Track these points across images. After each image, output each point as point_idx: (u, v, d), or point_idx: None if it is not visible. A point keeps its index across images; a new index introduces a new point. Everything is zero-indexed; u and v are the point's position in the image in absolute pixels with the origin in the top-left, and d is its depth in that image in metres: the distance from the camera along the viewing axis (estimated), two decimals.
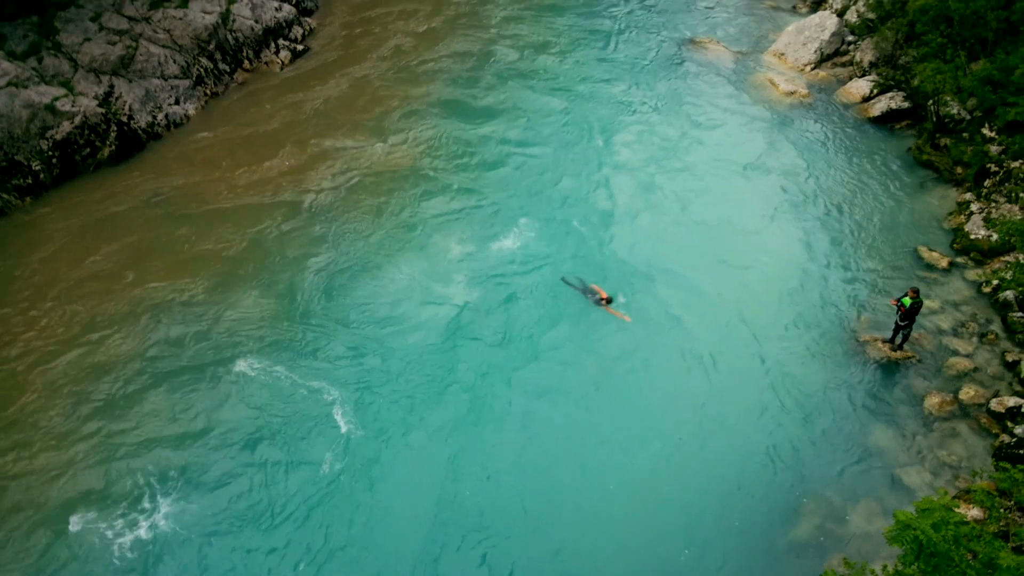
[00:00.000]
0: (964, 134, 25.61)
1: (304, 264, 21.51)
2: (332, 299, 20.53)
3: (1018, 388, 17.77)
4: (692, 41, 33.46)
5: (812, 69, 31.26)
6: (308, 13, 34.45)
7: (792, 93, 29.63)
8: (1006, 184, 23.22)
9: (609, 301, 20.04)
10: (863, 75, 30.00)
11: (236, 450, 16.76)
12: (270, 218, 23.14)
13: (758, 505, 15.91)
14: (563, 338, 19.61)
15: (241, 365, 18.55)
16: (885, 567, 11.78)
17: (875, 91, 28.84)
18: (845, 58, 31.64)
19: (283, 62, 31.04)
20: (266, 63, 30.95)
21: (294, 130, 27.31)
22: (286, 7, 32.70)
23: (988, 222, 22.11)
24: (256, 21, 31.23)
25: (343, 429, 17.18)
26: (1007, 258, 20.82)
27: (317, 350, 19.12)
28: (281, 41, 31.77)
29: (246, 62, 30.52)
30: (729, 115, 28.52)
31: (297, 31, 32.58)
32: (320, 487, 16.12)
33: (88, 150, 24.90)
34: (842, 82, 30.17)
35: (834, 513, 15.70)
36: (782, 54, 32.15)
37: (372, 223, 23.05)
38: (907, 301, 18.30)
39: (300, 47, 31.97)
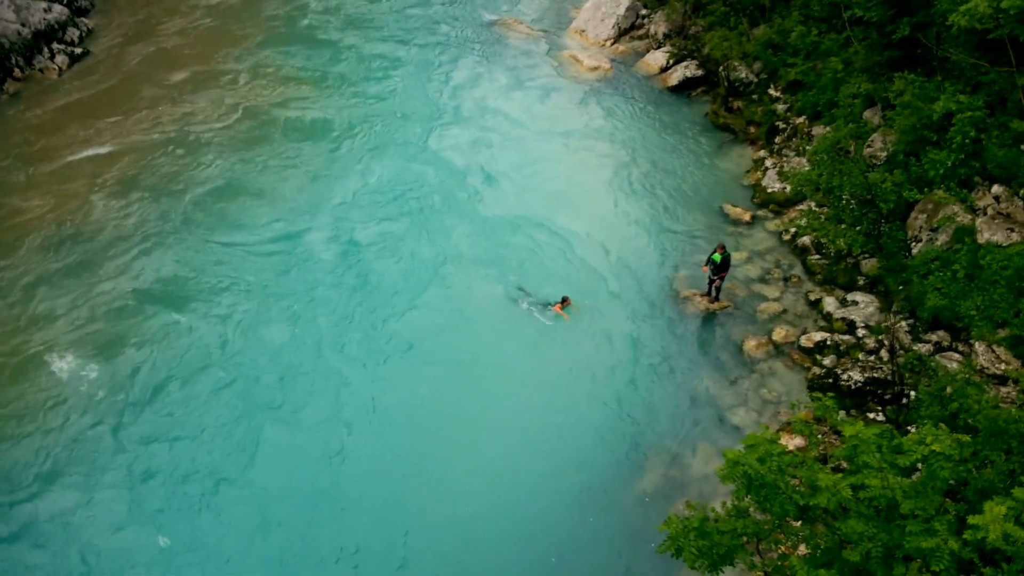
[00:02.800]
0: (754, 96, 27.45)
1: (188, 188, 23.40)
2: (217, 221, 22.37)
3: (823, 324, 19.27)
4: (496, 22, 33.81)
5: (612, 44, 32.41)
6: (83, 13, 31.71)
7: (596, 68, 30.57)
8: (794, 139, 25.09)
9: (564, 301, 19.60)
10: (659, 47, 31.45)
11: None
12: (156, 150, 24.91)
13: (607, 463, 16.36)
14: (429, 301, 20.20)
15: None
16: (724, 503, 12.28)
17: (671, 61, 30.30)
18: (641, 31, 33.04)
19: (60, 68, 28.44)
20: (40, 70, 28.21)
21: (128, 94, 27.73)
22: (57, 7, 29.96)
23: (781, 175, 23.80)
24: (23, 24, 28.39)
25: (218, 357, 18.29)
26: (801, 207, 22.46)
27: (204, 270, 20.66)
28: (56, 45, 29.06)
29: (16, 71, 27.67)
30: (539, 93, 29.10)
31: (73, 33, 29.95)
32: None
33: None
34: (641, 54, 31.47)
35: (675, 462, 16.38)
36: (583, 31, 33.10)
37: (255, 153, 25.07)
38: (717, 257, 19.34)
39: (79, 50, 29.40)
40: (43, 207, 22.46)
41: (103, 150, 24.88)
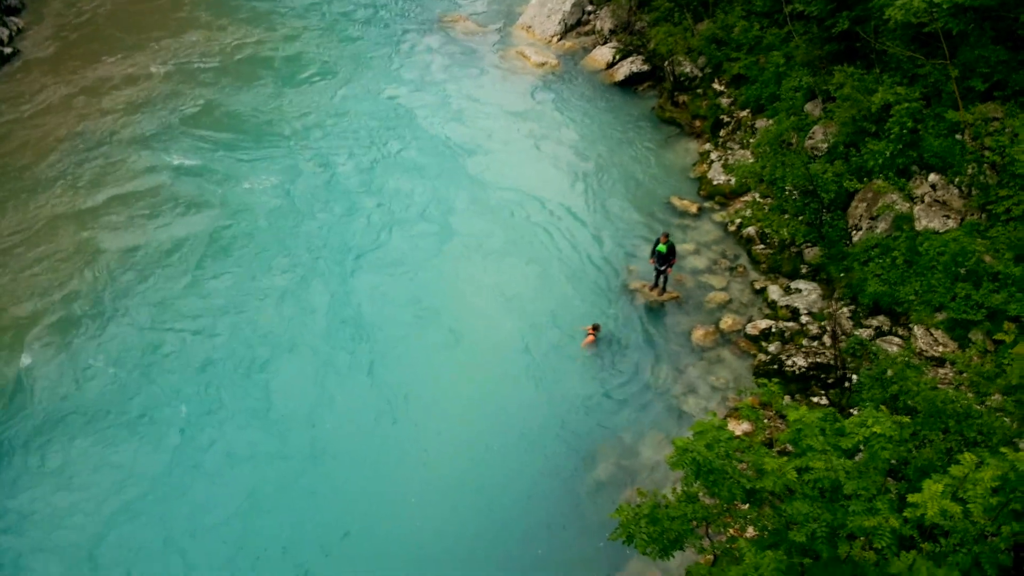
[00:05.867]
0: (699, 90, 27.75)
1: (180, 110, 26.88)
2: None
3: (767, 312, 19.60)
4: (442, 18, 33.66)
5: (559, 40, 32.49)
6: (14, 12, 30.65)
7: (543, 64, 30.63)
8: (738, 132, 25.46)
9: (596, 328, 19.17)
10: (605, 42, 31.62)
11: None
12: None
13: (560, 454, 16.43)
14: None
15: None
16: (674, 490, 12.39)
17: (617, 57, 30.48)
18: (587, 27, 33.17)
19: None
20: None
21: (91, 52, 29.70)
22: None
23: (726, 168, 24.12)
24: None
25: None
26: (745, 198, 22.83)
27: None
28: None
29: None
30: (488, 86, 29.22)
31: (2, 32, 28.90)
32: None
33: None
34: (587, 50, 31.61)
35: (628, 450, 16.50)
36: (529, 27, 33.13)
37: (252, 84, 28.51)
38: (662, 248, 19.52)
39: (8, 50, 28.44)
40: (62, 124, 25.51)
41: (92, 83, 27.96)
